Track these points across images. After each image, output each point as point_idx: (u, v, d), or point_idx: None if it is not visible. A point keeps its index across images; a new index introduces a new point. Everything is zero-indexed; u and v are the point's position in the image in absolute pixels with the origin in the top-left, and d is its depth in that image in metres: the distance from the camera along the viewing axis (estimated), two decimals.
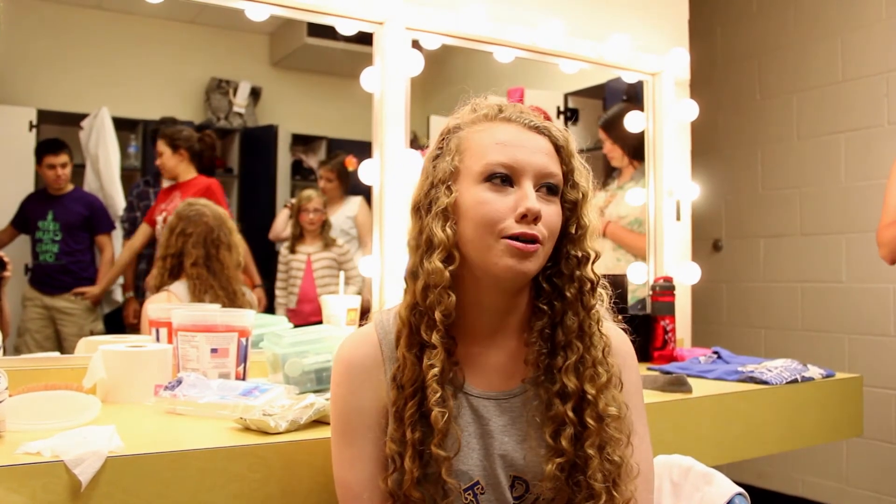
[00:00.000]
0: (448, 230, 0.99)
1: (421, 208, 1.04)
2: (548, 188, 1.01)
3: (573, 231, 1.03)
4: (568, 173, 1.04)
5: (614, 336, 1.08)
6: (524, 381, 1.05)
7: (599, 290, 1.04)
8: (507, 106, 1.05)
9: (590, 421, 0.98)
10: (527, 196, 0.97)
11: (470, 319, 1.05)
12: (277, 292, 3.02)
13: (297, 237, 3.04)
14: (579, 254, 1.02)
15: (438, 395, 0.97)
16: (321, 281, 2.92)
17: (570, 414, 0.99)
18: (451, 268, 0.99)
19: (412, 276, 1.03)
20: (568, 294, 1.02)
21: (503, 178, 0.99)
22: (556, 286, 1.03)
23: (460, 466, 1.01)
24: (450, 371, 1.01)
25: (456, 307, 1.00)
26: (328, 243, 3.01)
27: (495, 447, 1.03)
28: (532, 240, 0.97)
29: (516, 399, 1.05)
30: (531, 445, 1.02)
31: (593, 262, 1.03)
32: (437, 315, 0.99)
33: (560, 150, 1.04)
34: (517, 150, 1.00)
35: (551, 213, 1.00)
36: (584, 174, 1.05)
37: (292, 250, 3.03)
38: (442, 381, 0.99)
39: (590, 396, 0.99)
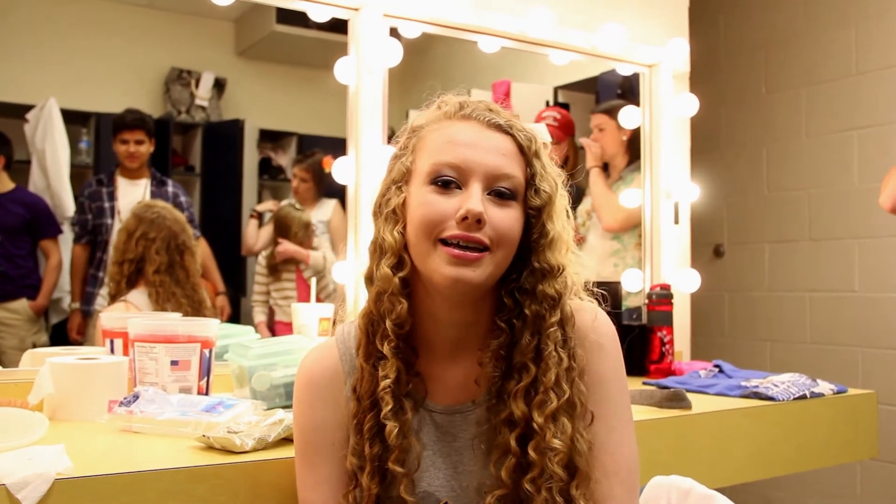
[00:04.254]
0: (396, 234, 1.02)
1: (378, 210, 1.06)
2: (501, 192, 1.00)
3: (536, 240, 1.02)
4: (532, 177, 1.03)
5: (588, 317, 1.06)
6: (474, 402, 1.06)
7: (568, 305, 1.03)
8: (471, 102, 1.06)
9: (532, 454, 0.98)
10: (470, 197, 0.98)
11: (427, 332, 1.07)
12: (256, 309, 3.16)
13: (276, 263, 3.14)
14: (541, 266, 1.02)
15: (390, 407, 1.00)
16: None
17: (513, 444, 0.99)
18: (400, 274, 1.02)
19: (368, 281, 1.06)
20: (527, 311, 1.02)
21: (450, 180, 1.00)
22: (518, 302, 1.03)
23: (425, 487, 1.03)
24: (407, 383, 1.03)
25: (412, 319, 1.03)
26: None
27: (464, 464, 1.05)
28: (474, 246, 0.98)
29: (463, 416, 1.07)
30: (470, 470, 1.04)
31: (558, 276, 1.02)
32: (389, 324, 1.01)
33: (524, 152, 1.03)
34: (468, 149, 1.00)
35: (504, 217, 1.00)
36: (550, 178, 1.04)
37: (274, 273, 3.13)
38: (398, 392, 1.01)
39: (536, 426, 0.98)
